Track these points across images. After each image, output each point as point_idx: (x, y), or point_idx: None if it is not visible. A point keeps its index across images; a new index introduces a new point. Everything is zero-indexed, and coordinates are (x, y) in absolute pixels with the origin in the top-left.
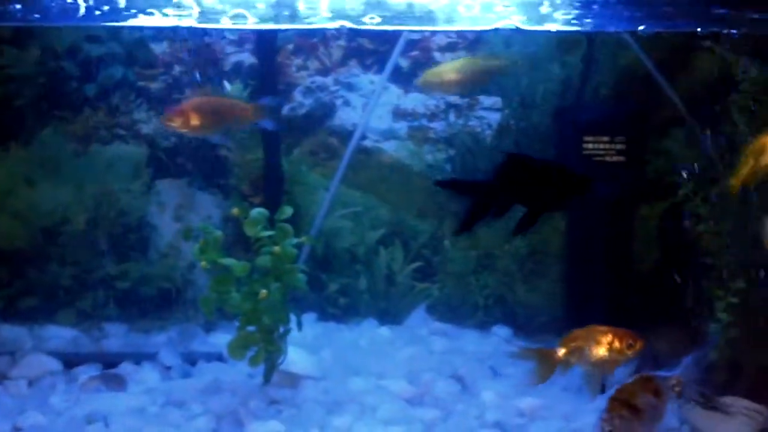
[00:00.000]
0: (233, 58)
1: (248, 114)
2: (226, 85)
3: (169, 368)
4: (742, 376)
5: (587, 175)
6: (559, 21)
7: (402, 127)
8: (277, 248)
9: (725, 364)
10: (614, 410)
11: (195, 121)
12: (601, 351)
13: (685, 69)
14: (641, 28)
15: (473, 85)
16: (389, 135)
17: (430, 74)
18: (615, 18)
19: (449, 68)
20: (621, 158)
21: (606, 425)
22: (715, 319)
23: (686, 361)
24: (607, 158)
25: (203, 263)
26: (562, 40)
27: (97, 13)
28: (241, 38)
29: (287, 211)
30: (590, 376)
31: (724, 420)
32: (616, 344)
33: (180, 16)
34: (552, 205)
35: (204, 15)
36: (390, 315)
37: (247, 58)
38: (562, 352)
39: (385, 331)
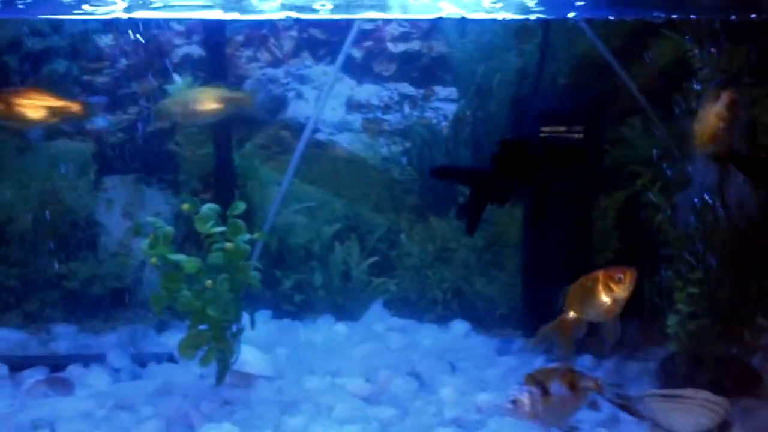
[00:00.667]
0: (181, 50)
1: (76, 111)
2: (176, 77)
3: (118, 370)
4: (703, 368)
5: (580, 145)
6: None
7: (356, 119)
8: (229, 245)
9: (686, 356)
10: (526, 384)
11: (14, 111)
12: (602, 296)
13: (642, 57)
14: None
15: (209, 116)
16: (343, 127)
17: (166, 103)
18: (568, 5)
19: (185, 97)
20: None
21: (514, 393)
22: (675, 310)
23: (608, 365)
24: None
25: (153, 259)
26: (519, 28)
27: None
28: (189, 29)
29: (239, 206)
30: (607, 325)
31: (685, 412)
32: (611, 284)
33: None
34: (553, 179)
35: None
36: (346, 311)
37: (196, 50)
38: (571, 314)
39: (341, 327)
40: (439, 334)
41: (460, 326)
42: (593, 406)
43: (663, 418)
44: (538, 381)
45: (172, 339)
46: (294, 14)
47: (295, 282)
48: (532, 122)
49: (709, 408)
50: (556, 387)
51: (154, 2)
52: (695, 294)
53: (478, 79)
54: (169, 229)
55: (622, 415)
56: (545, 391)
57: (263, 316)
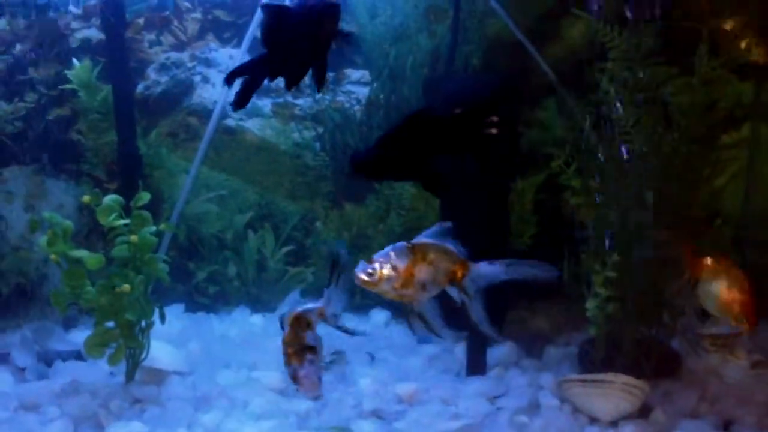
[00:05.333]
0: (80, 34)
1: None
2: (75, 62)
3: (23, 370)
4: (622, 352)
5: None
6: None
7: (266, 104)
8: (134, 237)
9: (604, 340)
10: (290, 362)
11: None
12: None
13: (554, 37)
14: None
15: None
16: (253, 113)
17: None
18: None
19: None
20: (492, 130)
21: (290, 371)
22: (594, 294)
23: (327, 292)
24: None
25: (53, 256)
26: (428, 9)
27: None
28: (87, 12)
29: (144, 197)
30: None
31: (605, 397)
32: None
33: None
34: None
35: None
36: (262, 302)
37: (96, 34)
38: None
39: (257, 319)
40: (359, 323)
41: (379, 315)
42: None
43: (583, 403)
44: (294, 351)
45: (80, 336)
46: None
47: (209, 273)
48: (445, 105)
49: (629, 392)
50: (307, 336)
51: None
52: (612, 278)
53: (391, 61)
54: (68, 223)
55: (543, 401)
56: (306, 348)
57: (176, 309)
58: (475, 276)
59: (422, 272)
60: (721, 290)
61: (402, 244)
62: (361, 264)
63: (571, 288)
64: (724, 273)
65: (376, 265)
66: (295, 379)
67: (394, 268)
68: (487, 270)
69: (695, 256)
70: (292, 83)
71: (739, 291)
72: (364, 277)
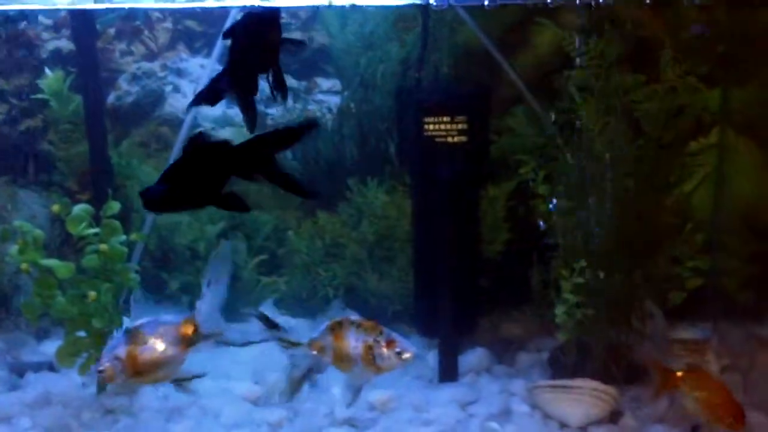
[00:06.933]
0: (50, 45)
1: None
2: (47, 72)
3: None
4: (591, 358)
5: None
6: None
7: (237, 113)
8: (104, 246)
9: (574, 346)
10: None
11: None
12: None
13: (523, 45)
14: None
15: None
16: (224, 122)
17: None
18: None
19: None
20: (463, 138)
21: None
22: (563, 300)
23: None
24: (449, 139)
25: (23, 265)
26: (398, 17)
27: None
28: (58, 23)
29: (114, 206)
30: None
31: (575, 402)
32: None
33: None
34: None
35: None
36: (236, 312)
37: (66, 44)
38: None
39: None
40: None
41: None
42: None
43: (553, 409)
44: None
45: (53, 347)
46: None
47: (182, 283)
48: (416, 114)
49: (599, 397)
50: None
51: None
52: (581, 283)
53: (361, 70)
54: (39, 232)
55: (514, 407)
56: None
57: None
58: None
59: None
60: (704, 400)
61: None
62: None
63: (542, 294)
64: (700, 382)
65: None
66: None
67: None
68: None
69: (667, 371)
70: (246, 94)
71: (720, 395)
72: None
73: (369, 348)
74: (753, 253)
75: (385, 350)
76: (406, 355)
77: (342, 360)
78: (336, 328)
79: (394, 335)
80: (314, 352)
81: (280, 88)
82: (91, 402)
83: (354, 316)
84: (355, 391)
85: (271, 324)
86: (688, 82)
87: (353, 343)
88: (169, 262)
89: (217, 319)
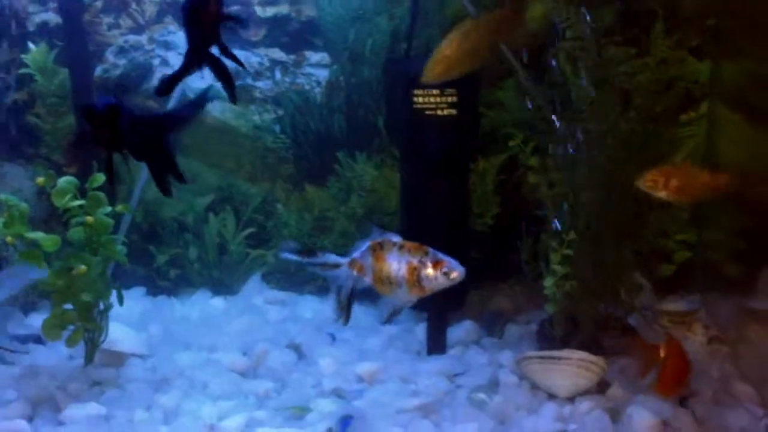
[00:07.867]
0: (37, 18)
1: None
2: (31, 46)
3: None
4: (579, 329)
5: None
6: None
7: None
8: (89, 218)
9: (562, 317)
10: None
11: None
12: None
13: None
14: None
15: None
16: (212, 95)
17: None
18: None
19: None
20: (453, 111)
21: None
22: (551, 271)
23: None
24: (439, 111)
25: (9, 239)
26: None
27: None
28: None
29: (99, 178)
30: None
31: (563, 373)
32: None
33: None
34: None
35: None
36: (224, 285)
37: (53, 17)
38: None
39: (218, 302)
40: (320, 305)
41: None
42: None
43: (541, 379)
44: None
45: (40, 320)
46: None
47: (170, 257)
48: (405, 86)
49: (587, 368)
50: None
51: None
52: (570, 255)
53: (350, 43)
54: (24, 206)
55: (502, 378)
56: None
57: (137, 293)
58: None
59: None
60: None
61: None
62: None
63: (531, 266)
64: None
65: None
66: None
67: None
68: None
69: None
70: (189, 67)
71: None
72: None
73: (414, 269)
74: (740, 226)
75: (431, 271)
76: (454, 275)
77: (383, 281)
78: (377, 249)
79: (440, 255)
80: (355, 273)
81: (231, 59)
82: (78, 373)
83: (396, 238)
84: (395, 312)
85: (308, 250)
86: (677, 54)
87: (395, 264)
88: (157, 235)
89: None
